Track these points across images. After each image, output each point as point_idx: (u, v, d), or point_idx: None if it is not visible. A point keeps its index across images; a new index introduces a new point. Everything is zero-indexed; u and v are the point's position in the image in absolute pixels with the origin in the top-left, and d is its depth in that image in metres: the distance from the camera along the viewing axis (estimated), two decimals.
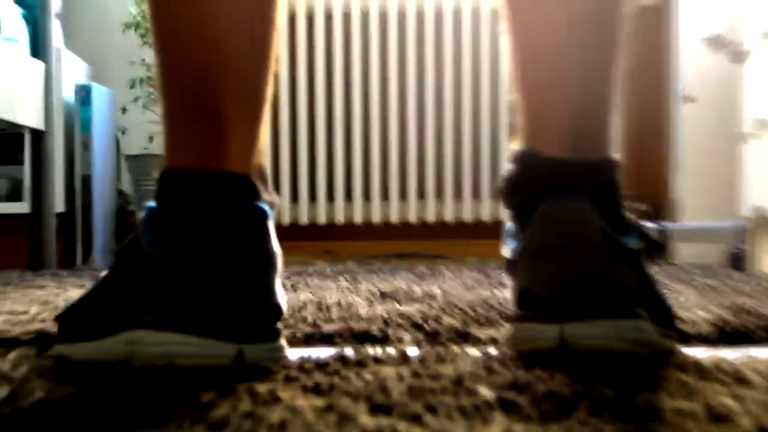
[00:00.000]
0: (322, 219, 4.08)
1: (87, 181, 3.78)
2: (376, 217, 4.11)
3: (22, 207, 3.54)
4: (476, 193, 4.07)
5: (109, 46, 4.23)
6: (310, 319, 1.48)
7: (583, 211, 1.01)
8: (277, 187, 4.08)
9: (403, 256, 4.07)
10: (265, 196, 1.05)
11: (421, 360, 0.99)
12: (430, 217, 4.08)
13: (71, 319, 1.01)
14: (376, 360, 1.00)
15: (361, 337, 1.34)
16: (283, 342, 1.01)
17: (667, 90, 3.97)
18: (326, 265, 3.34)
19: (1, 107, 2.68)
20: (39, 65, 3.09)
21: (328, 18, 4.07)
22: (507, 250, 1.12)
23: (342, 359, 1.00)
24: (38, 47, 3.13)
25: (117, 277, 1.00)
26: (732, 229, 3.35)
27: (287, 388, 0.83)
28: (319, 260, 3.83)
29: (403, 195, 4.10)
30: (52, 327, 1.33)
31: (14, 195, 3.82)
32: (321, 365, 0.96)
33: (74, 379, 0.87)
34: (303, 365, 0.96)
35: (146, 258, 0.97)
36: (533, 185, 1.07)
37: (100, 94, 3.92)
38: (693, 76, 3.78)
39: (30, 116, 3.00)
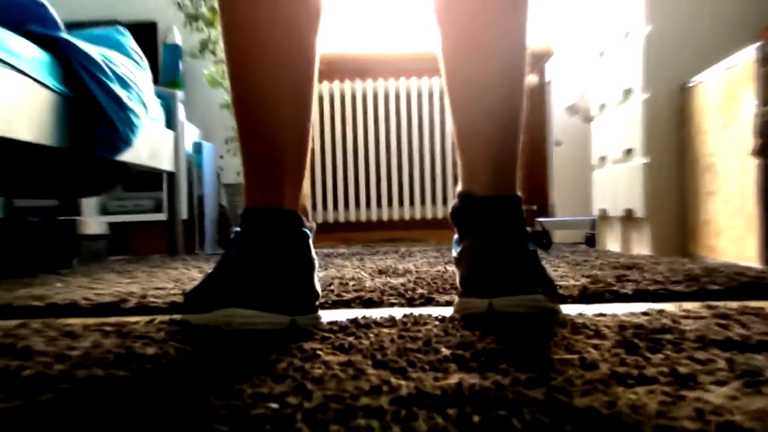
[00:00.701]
0: (341, 219, 4.38)
1: (201, 199, 4.06)
2: (375, 217, 4.39)
3: (162, 216, 3.82)
4: (435, 201, 4.39)
5: (213, 117, 4.49)
6: (335, 290, 1.57)
7: (501, 228, 1.09)
8: (314, 201, 4.30)
9: (393, 240, 4.31)
10: (306, 224, 1.09)
11: (404, 323, 1.06)
12: (408, 216, 4.38)
13: (191, 297, 1.09)
14: (376, 323, 1.06)
15: (367, 302, 1.43)
16: (319, 313, 1.07)
17: (545, 137, 4.18)
18: (344, 249, 3.49)
19: (151, 159, 2.86)
20: (171, 133, 3.26)
21: (342, 96, 4.37)
22: (454, 250, 1.19)
23: (356, 322, 1.07)
24: (171, 122, 3.32)
25: (218, 273, 1.07)
26: (587, 221, 3.53)
27: (322, 346, 0.89)
28: (340, 244, 4.09)
29: (391, 203, 4.39)
30: (179, 299, 1.42)
31: (157, 208, 4.12)
32: (343, 328, 1.03)
33: (192, 340, 0.95)
34: (332, 328, 1.03)
35: (235, 263, 1.05)
36: (469, 214, 1.14)
37: (207, 148, 4.16)
38: (560, 128, 4.03)
39: (166, 163, 3.18)
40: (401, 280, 1.78)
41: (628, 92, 2.73)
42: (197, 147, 4.11)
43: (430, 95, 4.43)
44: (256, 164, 1.09)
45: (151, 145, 2.83)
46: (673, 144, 2.53)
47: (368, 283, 1.70)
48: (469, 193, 1.16)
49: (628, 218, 2.81)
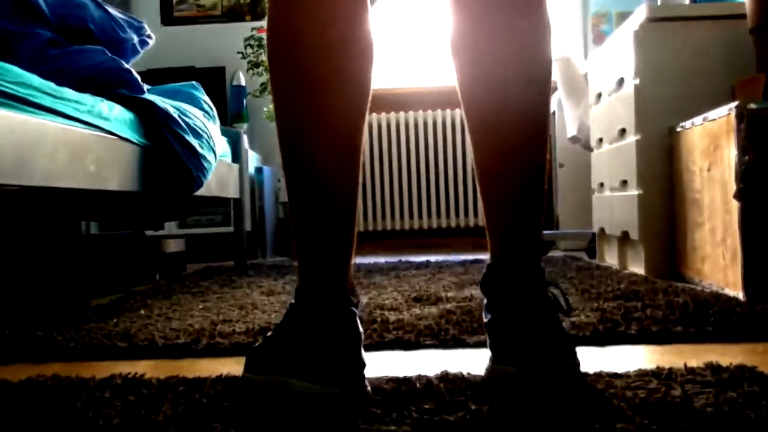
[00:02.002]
0: (379, 227, 4.40)
1: (262, 211, 4.10)
2: (407, 226, 4.40)
3: (230, 229, 3.78)
4: (458, 213, 4.40)
5: (272, 146, 4.30)
6: (378, 329, 1.48)
7: (526, 302, 0.99)
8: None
9: (421, 246, 4.33)
10: (353, 299, 1.00)
11: (439, 393, 0.96)
12: (435, 225, 4.37)
13: (254, 356, 0.95)
14: (416, 393, 0.95)
15: (406, 344, 1.36)
16: (366, 383, 0.97)
17: (551, 159, 4.05)
18: (382, 258, 3.36)
19: (219, 190, 2.80)
20: (236, 166, 3.23)
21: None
22: (485, 316, 1.06)
23: (398, 393, 0.98)
24: (237, 156, 3.27)
25: (278, 341, 0.95)
26: (587, 234, 3.44)
27: (371, 420, 0.83)
28: (378, 251, 4.10)
29: (421, 213, 4.39)
30: (242, 338, 1.36)
31: (226, 222, 4.03)
32: (386, 398, 0.92)
33: (254, 406, 0.89)
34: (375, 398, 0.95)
35: (291, 335, 0.95)
36: (496, 285, 1.03)
37: (267, 171, 4.14)
38: (564, 152, 3.95)
39: (232, 192, 3.13)
40: (434, 310, 1.71)
41: (622, 131, 2.63)
42: (258, 170, 4.11)
43: (453, 124, 4.42)
44: (307, 247, 1.01)
45: (219, 178, 2.78)
46: (663, 178, 2.43)
47: (405, 316, 1.63)
48: (495, 263, 1.06)
49: (624, 238, 2.68)
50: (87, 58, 2.12)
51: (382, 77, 4.57)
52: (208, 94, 3.91)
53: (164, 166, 2.18)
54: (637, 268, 2.55)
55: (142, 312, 1.87)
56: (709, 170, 2.06)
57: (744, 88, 2.15)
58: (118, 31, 2.30)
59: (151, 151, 2.13)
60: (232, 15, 4.48)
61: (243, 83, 4.26)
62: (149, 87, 2.65)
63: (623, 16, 4.01)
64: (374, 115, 4.35)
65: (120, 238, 2.75)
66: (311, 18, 0.96)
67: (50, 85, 1.66)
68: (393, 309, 1.77)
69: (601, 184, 3.01)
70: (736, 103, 1.88)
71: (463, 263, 2.96)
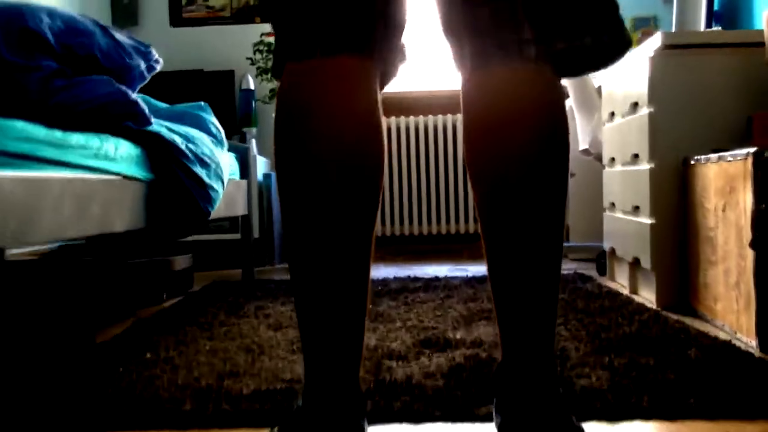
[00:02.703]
0: (380, 233, 4.56)
1: (270, 219, 4.04)
2: (408, 231, 4.43)
3: (237, 236, 3.80)
4: (458, 219, 4.39)
5: None
6: (385, 391, 1.42)
7: (537, 404, 0.96)
8: None
9: (423, 253, 4.36)
10: (361, 390, 0.99)
11: None
12: (435, 231, 4.40)
13: None
14: None
15: (415, 415, 1.32)
16: None
17: None
18: (393, 266, 3.30)
19: (227, 210, 2.79)
20: (244, 182, 3.22)
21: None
22: (495, 417, 1.03)
23: None
24: (245, 173, 3.28)
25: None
26: (597, 247, 3.44)
27: None
28: (388, 257, 3.98)
29: (421, 219, 4.41)
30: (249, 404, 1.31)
31: (234, 228, 4.00)
32: None
33: None
34: None
35: (303, 426, 0.93)
36: (507, 387, 1.00)
37: (275, 176, 4.42)
38: (575, 162, 3.80)
39: (240, 209, 3.13)
40: (442, 361, 1.69)
41: (635, 156, 2.59)
42: (267, 176, 4.08)
43: (454, 129, 4.31)
44: (314, 348, 0.98)
45: (227, 197, 2.75)
46: (677, 209, 2.39)
47: (413, 369, 1.60)
48: (507, 362, 1.02)
49: (636, 263, 2.65)
50: (94, 90, 2.09)
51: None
52: (216, 98, 3.90)
53: (171, 198, 2.16)
54: (648, 294, 2.52)
55: (148, 355, 1.85)
56: (723, 210, 2.03)
57: (762, 124, 2.11)
58: (125, 58, 2.26)
59: (157, 185, 2.11)
60: (242, 16, 4.44)
61: (252, 87, 4.22)
62: (156, 108, 2.63)
63: (637, 22, 3.95)
64: (383, 118, 4.30)
65: (128, 266, 2.72)
66: (320, 113, 0.94)
67: (55, 135, 1.64)
68: (401, 358, 1.75)
69: (613, 204, 2.96)
70: (753, 149, 1.83)
71: (472, 283, 2.93)
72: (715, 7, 3.43)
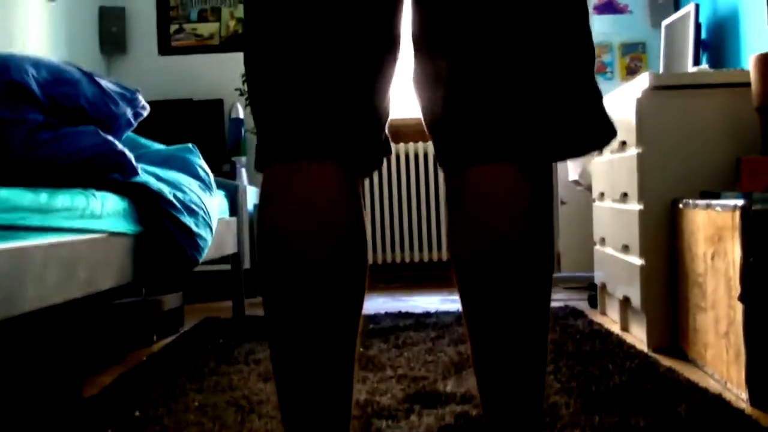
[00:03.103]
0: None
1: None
2: (390, 259, 4.48)
3: (227, 267, 3.59)
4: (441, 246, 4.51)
5: None
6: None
7: None
8: None
9: (407, 280, 4.36)
10: None
11: None
12: (417, 258, 4.46)
13: None
14: None
15: None
16: None
17: (555, 198, 4.22)
18: (384, 296, 3.25)
19: (216, 251, 2.72)
20: (234, 220, 3.20)
21: None
22: None
23: None
24: (235, 210, 3.23)
25: None
26: (588, 277, 3.37)
27: None
28: (380, 285, 3.89)
29: (403, 246, 4.57)
30: None
31: (224, 260, 4.22)
32: None
33: None
34: None
35: None
36: None
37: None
38: (565, 190, 3.88)
39: (230, 248, 3.10)
40: (431, 421, 1.68)
41: (625, 195, 2.59)
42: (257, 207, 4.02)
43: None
44: (295, 420, 0.96)
45: (216, 239, 2.66)
46: (667, 251, 2.39)
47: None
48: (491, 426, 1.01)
49: (626, 301, 2.64)
50: (79, 141, 2.07)
51: None
52: (206, 127, 3.85)
53: (159, 249, 2.14)
54: (639, 332, 2.53)
55: (137, 413, 1.84)
56: (712, 258, 2.02)
57: (750, 168, 2.11)
58: (111, 106, 2.25)
59: (144, 237, 2.09)
60: (230, 45, 4.43)
61: (242, 116, 4.22)
62: (144, 148, 2.61)
63: (625, 48, 3.96)
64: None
65: (116, 308, 2.70)
66: (299, 221, 0.93)
67: (39, 201, 1.63)
68: (391, 416, 1.74)
69: (603, 239, 2.96)
70: (741, 202, 1.83)
71: (459, 320, 2.91)
72: (703, 35, 3.45)
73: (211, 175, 2.61)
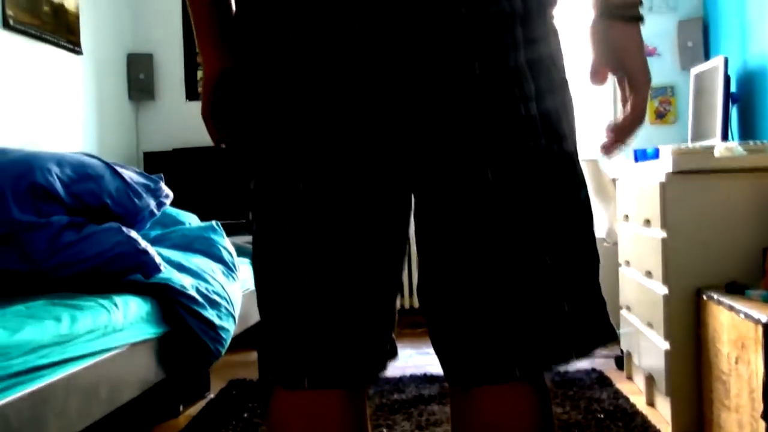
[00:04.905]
0: None
1: None
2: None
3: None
4: None
5: None
6: None
7: None
8: None
9: None
10: None
11: None
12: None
13: None
14: None
15: None
16: None
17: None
18: (409, 346, 3.22)
19: (242, 323, 2.61)
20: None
21: None
22: None
23: None
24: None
25: None
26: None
27: None
28: (406, 331, 3.70)
29: None
30: None
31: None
32: None
33: None
34: None
35: None
36: None
37: None
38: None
39: (254, 319, 3.08)
40: None
41: (649, 273, 2.56)
42: None
43: None
44: None
45: (241, 314, 2.66)
46: (692, 338, 2.36)
47: None
48: None
49: (651, 378, 2.62)
50: (101, 242, 2.11)
51: None
52: (232, 174, 3.81)
53: (181, 346, 2.17)
54: (665, 410, 2.51)
55: None
56: (736, 363, 2.00)
57: None
58: (134, 199, 2.29)
59: (167, 336, 2.12)
60: None
61: None
62: (169, 226, 2.64)
63: (654, 91, 3.91)
64: None
65: None
66: None
67: (60, 332, 1.66)
68: None
69: (629, 308, 2.94)
70: (765, 317, 1.81)
71: None
72: (733, 87, 3.39)
73: (234, 256, 2.63)
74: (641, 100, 0.98)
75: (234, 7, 1.01)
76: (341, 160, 0.92)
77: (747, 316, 1.91)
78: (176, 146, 4.26)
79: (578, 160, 1.00)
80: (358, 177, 0.93)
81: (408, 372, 3.30)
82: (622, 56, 0.98)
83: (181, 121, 4.44)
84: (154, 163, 4.18)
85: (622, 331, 3.08)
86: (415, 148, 0.92)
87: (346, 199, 0.93)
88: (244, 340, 3.90)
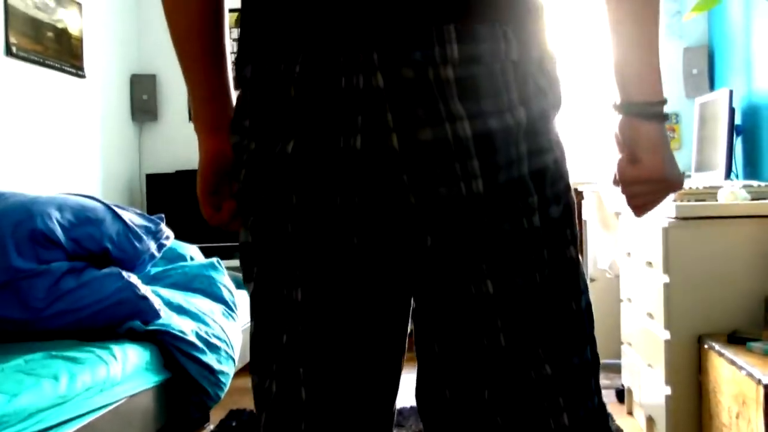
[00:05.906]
0: None
1: None
2: None
3: None
4: None
5: None
6: None
7: None
8: None
9: None
10: None
11: None
12: None
13: None
14: None
15: None
16: None
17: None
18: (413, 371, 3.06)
19: (242, 360, 2.56)
20: None
21: None
22: None
23: None
24: None
25: None
26: (615, 365, 3.25)
27: None
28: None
29: None
30: None
31: None
32: None
33: None
34: None
35: None
36: None
37: None
38: (595, 269, 3.63)
39: None
40: None
41: (650, 315, 2.55)
42: None
43: None
44: None
45: (244, 348, 2.65)
46: (693, 384, 2.35)
47: None
48: None
49: (651, 420, 2.61)
50: (101, 289, 2.11)
51: None
52: None
53: (180, 391, 2.17)
54: None
55: None
56: (737, 417, 1.99)
57: None
58: (135, 242, 2.28)
59: (165, 382, 2.12)
60: None
61: None
62: (169, 263, 2.63)
63: None
64: None
65: None
66: None
67: (57, 391, 1.65)
68: None
69: (630, 344, 2.93)
70: (766, 379, 1.80)
71: None
72: (737, 119, 3.38)
73: (234, 294, 2.63)
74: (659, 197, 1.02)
75: (233, 104, 1.01)
76: (338, 266, 0.92)
77: (749, 374, 1.90)
78: (179, 168, 4.25)
79: (580, 263, 0.99)
80: (357, 282, 0.93)
81: (408, 404, 3.28)
82: (640, 156, 0.97)
83: (185, 143, 4.41)
84: (156, 184, 4.18)
85: (624, 363, 3.06)
86: (416, 259, 0.92)
87: (345, 306, 0.94)
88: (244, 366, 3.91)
